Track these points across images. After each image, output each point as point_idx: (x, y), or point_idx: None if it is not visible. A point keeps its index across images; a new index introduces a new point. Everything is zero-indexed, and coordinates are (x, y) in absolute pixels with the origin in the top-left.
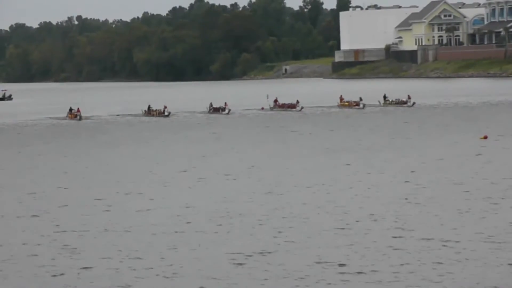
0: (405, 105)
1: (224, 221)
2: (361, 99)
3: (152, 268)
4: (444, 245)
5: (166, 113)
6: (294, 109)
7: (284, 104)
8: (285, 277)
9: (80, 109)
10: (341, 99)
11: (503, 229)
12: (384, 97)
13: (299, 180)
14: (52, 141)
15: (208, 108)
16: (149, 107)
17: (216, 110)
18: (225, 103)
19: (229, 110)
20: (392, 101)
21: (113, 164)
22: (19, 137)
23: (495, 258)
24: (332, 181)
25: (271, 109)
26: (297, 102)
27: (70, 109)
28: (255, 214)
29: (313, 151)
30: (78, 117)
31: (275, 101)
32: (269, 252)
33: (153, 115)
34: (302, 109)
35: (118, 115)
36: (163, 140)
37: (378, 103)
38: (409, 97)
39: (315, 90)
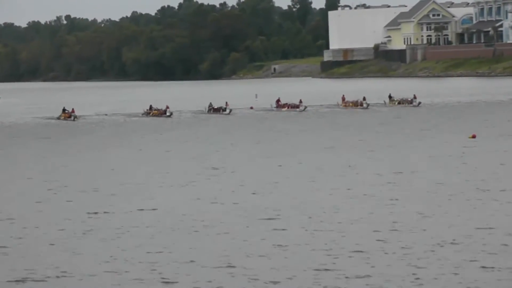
0: (411, 105)
1: (208, 223)
2: (364, 99)
3: (139, 270)
4: (429, 246)
5: (168, 113)
6: (297, 109)
7: (287, 104)
8: (270, 280)
9: (74, 109)
10: (343, 99)
11: (488, 230)
12: (390, 96)
13: (289, 180)
14: (54, 141)
15: (207, 108)
16: (150, 107)
17: (216, 110)
18: (226, 102)
19: (230, 110)
20: (397, 101)
21: (107, 164)
22: (18, 137)
23: (479, 259)
24: (319, 181)
25: (275, 108)
26: (300, 102)
27: (64, 109)
28: (239, 216)
29: (308, 150)
30: (72, 117)
31: (277, 101)
32: (256, 255)
33: (154, 115)
34: (306, 109)
35: (106, 114)
36: (159, 140)
37: (383, 103)
38: (414, 97)
39: (309, 90)
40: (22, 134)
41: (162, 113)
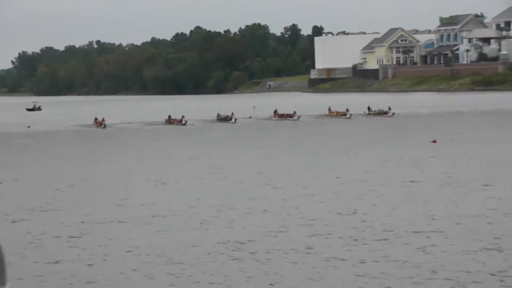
0: (386, 115)
1: (205, 216)
2: (347, 110)
3: (153, 254)
4: (396, 233)
5: (183, 122)
6: (291, 119)
7: (283, 114)
8: (265, 261)
9: (104, 118)
10: (329, 110)
11: (445, 218)
12: (368, 108)
13: (280, 177)
14: (88, 144)
15: (216, 117)
16: (169, 116)
17: (224, 119)
18: (232, 113)
19: (236, 119)
20: (375, 111)
21: (131, 164)
22: (57, 141)
23: (439, 244)
24: (304, 178)
25: (273, 118)
26: (294, 112)
27: (95, 119)
28: (238, 207)
29: (297, 152)
30: (103, 125)
31: (275, 111)
32: (252, 241)
33: (172, 123)
34: (299, 119)
35: (130, 123)
36: (175, 144)
37: (363, 113)
38: (389, 108)
39: (298, 102)
40: (60, 139)
41: (179, 121)
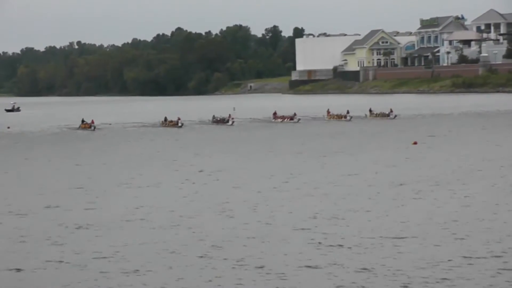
0: (388, 117)
1: (192, 216)
2: (348, 112)
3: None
4: (374, 239)
5: (179, 124)
6: (292, 121)
7: (283, 116)
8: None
9: (93, 120)
10: (328, 112)
11: (430, 220)
12: (370, 110)
13: (263, 180)
14: (70, 147)
15: (212, 119)
16: (165, 118)
17: (220, 121)
18: (229, 115)
19: (233, 121)
20: (377, 114)
21: (116, 167)
22: (35, 144)
23: (410, 251)
24: (284, 179)
25: (273, 120)
26: (295, 114)
27: (83, 120)
28: (218, 209)
29: (285, 154)
30: (92, 127)
31: (274, 114)
32: (231, 241)
33: (168, 125)
34: (299, 121)
35: (110, 124)
36: (171, 145)
37: (364, 115)
38: (391, 111)
39: (278, 104)
40: (44, 140)
41: (175, 124)
